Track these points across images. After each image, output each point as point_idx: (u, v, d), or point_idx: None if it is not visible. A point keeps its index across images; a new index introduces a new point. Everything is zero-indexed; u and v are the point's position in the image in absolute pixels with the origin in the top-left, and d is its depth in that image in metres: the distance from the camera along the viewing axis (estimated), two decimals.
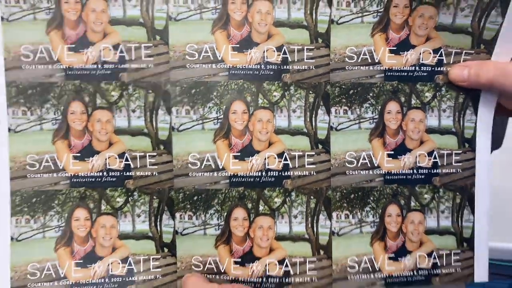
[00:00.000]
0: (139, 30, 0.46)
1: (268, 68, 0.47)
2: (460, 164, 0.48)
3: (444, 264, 0.49)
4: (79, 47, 0.46)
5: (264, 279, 0.46)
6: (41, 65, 0.46)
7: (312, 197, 0.47)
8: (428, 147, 0.48)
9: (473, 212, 0.49)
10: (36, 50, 0.46)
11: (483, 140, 0.48)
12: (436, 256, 0.48)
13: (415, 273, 0.48)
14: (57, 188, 0.47)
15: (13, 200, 0.46)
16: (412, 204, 0.48)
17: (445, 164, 0.48)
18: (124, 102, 0.47)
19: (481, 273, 0.49)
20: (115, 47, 0.47)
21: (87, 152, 0.47)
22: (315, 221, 0.47)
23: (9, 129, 0.47)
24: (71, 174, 0.47)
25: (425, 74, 0.48)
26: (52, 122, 0.47)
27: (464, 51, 0.47)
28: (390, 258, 0.48)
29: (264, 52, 0.47)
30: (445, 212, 0.49)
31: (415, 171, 0.48)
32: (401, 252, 0.48)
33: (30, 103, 0.47)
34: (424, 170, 0.48)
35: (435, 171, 0.48)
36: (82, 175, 0.47)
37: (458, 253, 0.49)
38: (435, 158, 0.48)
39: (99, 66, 0.47)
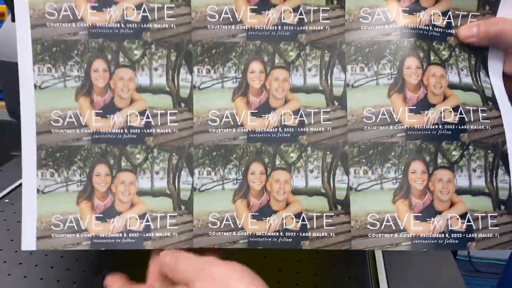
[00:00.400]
0: None
1: (284, 29, 0.48)
2: (488, 121, 0.46)
3: (480, 228, 0.45)
4: (102, 6, 0.48)
5: (281, 233, 0.47)
6: (66, 23, 0.48)
7: (328, 152, 0.47)
8: (453, 102, 0.47)
9: (508, 173, 0.46)
10: (60, 8, 0.47)
11: (503, 98, 0.48)
12: (471, 219, 0.45)
13: (446, 235, 0.45)
14: (80, 143, 0.48)
15: (39, 154, 0.48)
16: (439, 161, 0.46)
17: (472, 120, 0.46)
18: (146, 61, 0.49)
19: None
20: (138, 7, 0.48)
21: (108, 109, 0.48)
22: (331, 176, 0.48)
23: (35, 86, 0.48)
24: (93, 131, 0.48)
25: (438, 34, 0.48)
26: (75, 79, 0.48)
27: (470, 13, 0.48)
28: (416, 218, 0.46)
29: (281, 13, 0.48)
30: (477, 171, 0.46)
31: (440, 126, 0.46)
32: (429, 212, 0.46)
33: (55, 61, 0.48)
34: (451, 126, 0.47)
35: (462, 127, 0.47)
36: (104, 131, 0.48)
37: (495, 216, 0.45)
38: (461, 114, 0.47)
39: (122, 25, 0.48)
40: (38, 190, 0.48)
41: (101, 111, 0.49)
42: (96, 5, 0.48)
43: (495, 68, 0.49)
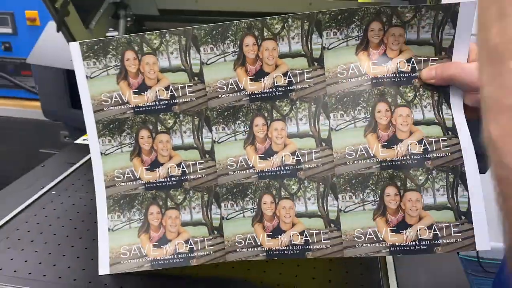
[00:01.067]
0: None
1: (278, 90, 0.61)
2: (448, 148, 0.55)
3: (445, 235, 0.54)
4: (140, 90, 0.63)
5: (290, 247, 0.59)
6: (117, 106, 0.64)
7: (321, 183, 0.59)
8: (417, 136, 0.56)
9: (466, 189, 0.55)
10: (111, 96, 0.64)
11: (462, 127, 0.55)
12: (436, 229, 0.55)
13: (417, 243, 0.55)
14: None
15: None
16: (408, 185, 0.56)
17: (434, 149, 0.55)
18: (178, 127, 0.64)
19: (482, 243, 0.53)
20: (166, 88, 0.63)
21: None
22: (325, 202, 0.58)
23: (101, 153, 0.65)
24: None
25: (404, 79, 0.57)
26: (129, 146, 0.64)
27: (430, 58, 0.57)
28: (392, 231, 0.56)
29: (274, 78, 0.61)
30: (440, 190, 0.55)
31: (408, 157, 0.56)
32: (402, 226, 0.56)
33: (112, 134, 0.64)
34: (417, 156, 0.56)
35: (426, 156, 0.56)
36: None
37: (457, 225, 0.54)
38: (425, 145, 0.56)
39: (157, 103, 0.63)
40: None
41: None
42: (136, 91, 0.63)
43: (456, 100, 0.56)
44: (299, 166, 0.62)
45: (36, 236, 0.69)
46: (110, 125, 0.65)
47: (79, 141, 1.09)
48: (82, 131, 1.20)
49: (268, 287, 0.63)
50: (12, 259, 0.63)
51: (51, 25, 1.18)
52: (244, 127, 0.63)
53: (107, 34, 0.97)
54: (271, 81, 0.61)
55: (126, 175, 0.65)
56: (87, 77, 0.64)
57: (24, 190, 0.84)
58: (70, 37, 0.86)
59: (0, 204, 0.78)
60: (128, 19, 1.02)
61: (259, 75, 0.62)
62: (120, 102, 0.64)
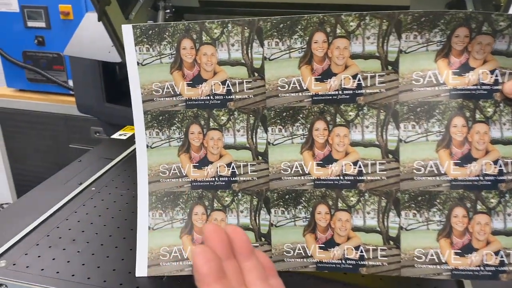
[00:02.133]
0: None
1: (344, 93, 0.56)
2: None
3: None
4: (194, 83, 0.58)
5: (343, 261, 0.56)
6: (168, 97, 0.58)
7: (383, 197, 0.55)
8: (493, 156, 0.52)
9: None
10: (163, 86, 0.59)
11: None
12: (504, 255, 0.52)
13: (482, 268, 0.52)
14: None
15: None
16: (478, 207, 0.52)
17: (510, 171, 0.51)
18: (231, 124, 0.58)
19: None
20: (223, 82, 0.58)
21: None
22: (385, 217, 0.55)
23: (147, 146, 0.60)
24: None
25: (485, 92, 0.52)
26: (177, 140, 0.60)
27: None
28: (456, 254, 0.53)
29: (341, 80, 0.55)
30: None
31: (481, 177, 0.52)
32: (467, 249, 0.53)
33: (161, 126, 0.60)
34: (490, 177, 0.52)
35: (500, 178, 0.52)
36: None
37: None
38: (500, 166, 0.52)
39: (211, 97, 0.58)
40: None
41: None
42: (190, 83, 0.58)
43: None
44: (360, 177, 0.57)
45: (77, 235, 0.66)
46: (159, 117, 0.60)
47: (115, 136, 1.06)
48: (116, 127, 1.17)
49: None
50: (54, 259, 0.60)
51: (89, 17, 1.14)
52: (303, 130, 0.57)
53: None
54: (338, 83, 0.55)
55: (172, 171, 0.61)
56: (138, 63, 0.59)
57: (62, 185, 0.81)
58: (110, 28, 0.81)
59: (38, 200, 0.76)
60: (167, 10, 0.98)
61: (325, 75, 0.56)
62: (172, 93, 0.59)
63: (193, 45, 0.57)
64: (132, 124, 0.61)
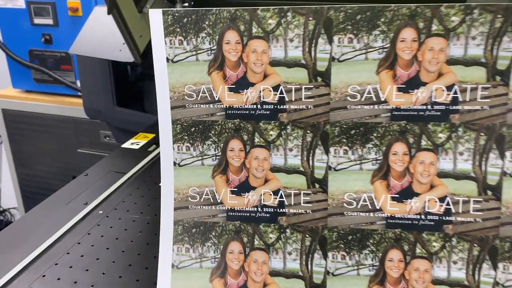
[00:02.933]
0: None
1: (435, 108, 0.43)
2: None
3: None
4: (239, 88, 0.46)
5: None
6: (204, 104, 0.47)
7: (475, 244, 0.45)
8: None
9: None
10: (198, 90, 0.48)
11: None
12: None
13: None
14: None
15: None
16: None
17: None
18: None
19: None
20: (275, 88, 0.46)
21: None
22: (477, 270, 0.44)
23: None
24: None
25: (437, 113, 0.43)
26: (213, 158, 0.48)
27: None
28: None
29: (432, 91, 0.43)
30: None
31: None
32: None
33: (193, 140, 0.48)
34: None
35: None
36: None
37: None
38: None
39: (259, 106, 0.47)
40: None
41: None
42: (233, 87, 0.46)
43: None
44: (447, 218, 0.44)
45: (80, 275, 0.53)
46: (192, 128, 0.48)
47: (127, 145, 0.93)
48: (127, 133, 1.04)
49: None
50: None
51: (97, 11, 1.03)
52: (376, 154, 0.45)
53: None
54: (428, 95, 0.43)
55: (204, 196, 0.49)
56: (168, 59, 0.47)
57: (64, 206, 0.69)
58: (122, 22, 0.70)
59: (36, 225, 0.63)
60: (185, 4, 0.87)
61: (412, 84, 0.43)
62: (209, 99, 0.47)
63: (240, 39, 0.45)
64: (146, 131, 0.49)
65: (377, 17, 0.42)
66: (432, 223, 0.45)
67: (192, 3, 0.88)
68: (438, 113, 0.43)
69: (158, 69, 0.47)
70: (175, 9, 0.45)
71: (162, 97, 0.48)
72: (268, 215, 0.48)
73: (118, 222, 0.64)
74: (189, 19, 0.45)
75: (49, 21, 1.49)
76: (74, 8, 1.44)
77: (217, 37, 0.45)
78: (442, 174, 0.44)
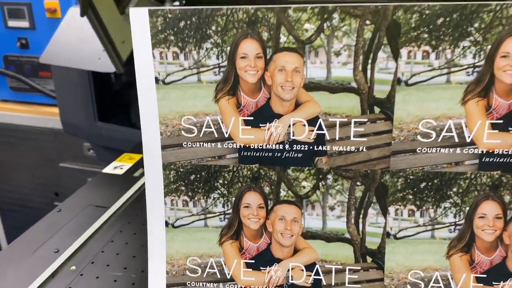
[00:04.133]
0: None
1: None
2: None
3: None
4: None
5: None
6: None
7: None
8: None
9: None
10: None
11: None
12: None
13: None
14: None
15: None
16: None
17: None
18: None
19: None
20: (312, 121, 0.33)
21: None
22: None
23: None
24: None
25: (298, 155, 0.33)
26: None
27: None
28: None
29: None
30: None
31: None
32: None
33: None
34: None
35: None
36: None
37: None
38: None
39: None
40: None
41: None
42: (250, 119, 0.33)
43: None
44: None
45: None
46: (191, 175, 0.34)
47: (109, 169, 0.78)
48: (111, 151, 0.90)
49: None
50: None
51: (72, 12, 0.89)
52: (456, 217, 0.31)
53: None
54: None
55: (207, 269, 0.35)
56: (157, 80, 0.33)
57: (29, 255, 0.54)
58: (99, 25, 0.59)
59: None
60: (176, 3, 0.74)
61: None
62: (217, 136, 0.33)
63: (262, 52, 0.31)
64: (132, 150, 0.36)
65: (468, 19, 0.28)
66: None
67: (184, 1, 0.74)
68: (299, 154, 0.30)
69: (143, 94, 0.33)
70: (167, 7, 0.31)
71: (149, 132, 0.34)
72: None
73: (96, 282, 0.49)
74: (188, 22, 0.31)
75: (25, 24, 1.36)
76: (52, 9, 1.31)
77: (229, 48, 0.31)
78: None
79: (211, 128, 0.33)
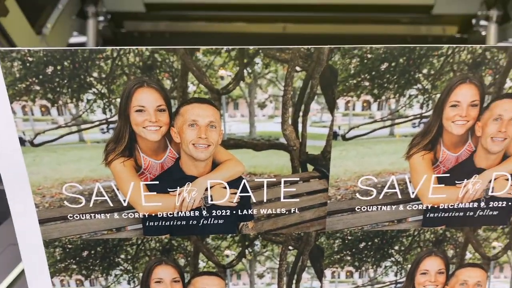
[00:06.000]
0: None
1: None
2: None
3: None
4: None
5: None
6: None
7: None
8: None
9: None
10: None
11: None
12: None
13: None
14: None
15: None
16: None
17: None
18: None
19: None
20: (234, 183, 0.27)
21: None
22: None
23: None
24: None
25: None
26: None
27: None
28: None
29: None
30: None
31: None
32: None
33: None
34: None
35: None
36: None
37: None
38: None
39: None
40: None
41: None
42: (155, 184, 0.26)
43: None
44: None
45: None
46: (83, 251, 0.27)
47: None
48: None
49: None
50: None
51: None
52: (396, 274, 0.28)
53: (71, 41, 0.66)
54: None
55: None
56: (23, 141, 0.24)
57: None
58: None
59: None
60: (101, 18, 0.70)
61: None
62: (112, 205, 0.26)
63: (164, 104, 0.24)
64: None
65: (417, 66, 0.23)
66: None
67: (109, 16, 0.70)
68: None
69: (4, 160, 0.24)
70: (25, 48, 0.22)
71: (19, 204, 0.25)
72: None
73: None
74: (59, 69, 0.23)
75: None
76: None
77: (124, 95, 0.23)
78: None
79: (103, 196, 0.26)
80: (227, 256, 0.28)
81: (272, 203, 0.27)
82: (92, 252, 0.27)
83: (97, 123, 0.24)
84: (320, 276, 0.29)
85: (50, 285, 0.28)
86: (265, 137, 0.25)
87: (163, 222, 0.27)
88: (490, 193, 0.27)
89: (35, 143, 0.24)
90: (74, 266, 0.27)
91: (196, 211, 0.26)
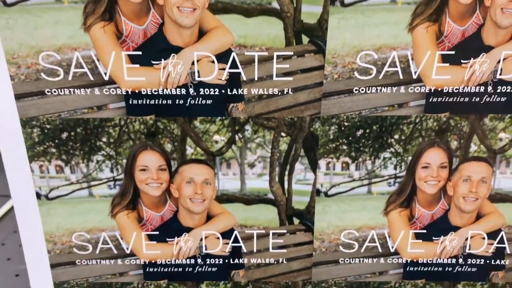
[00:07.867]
0: None
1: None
2: None
3: None
4: None
5: None
6: None
7: None
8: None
9: None
10: None
11: None
12: None
13: None
14: (125, 279, 0.29)
15: None
16: None
17: None
18: (236, 152, 0.27)
19: None
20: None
21: (169, 229, 0.28)
22: None
23: (38, 195, 0.27)
24: (145, 262, 0.29)
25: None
26: (109, 184, 0.27)
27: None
28: None
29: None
30: None
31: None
32: None
33: (68, 154, 0.26)
34: None
35: None
36: (161, 262, 0.29)
37: None
38: None
39: None
40: None
41: (156, 233, 0.28)
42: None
43: None
44: None
45: None
46: (61, 133, 0.28)
47: None
48: None
49: None
50: None
51: None
52: None
53: None
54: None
55: (100, 245, 0.29)
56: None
57: None
58: None
59: None
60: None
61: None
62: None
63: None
64: None
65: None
66: None
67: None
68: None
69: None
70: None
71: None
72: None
73: None
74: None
75: None
76: None
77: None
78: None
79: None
80: (216, 142, 0.27)
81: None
82: (72, 133, 0.27)
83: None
84: (314, 167, 0.28)
85: (29, 170, 0.28)
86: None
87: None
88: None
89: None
90: (53, 150, 0.27)
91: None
